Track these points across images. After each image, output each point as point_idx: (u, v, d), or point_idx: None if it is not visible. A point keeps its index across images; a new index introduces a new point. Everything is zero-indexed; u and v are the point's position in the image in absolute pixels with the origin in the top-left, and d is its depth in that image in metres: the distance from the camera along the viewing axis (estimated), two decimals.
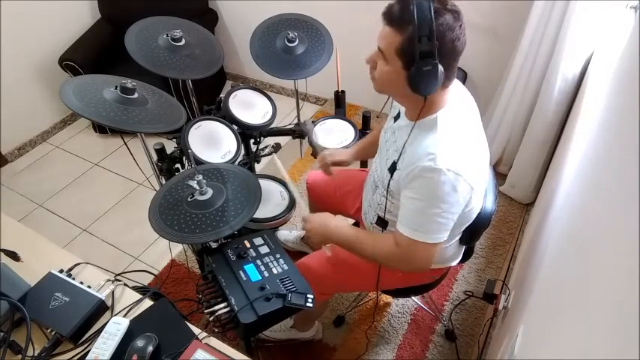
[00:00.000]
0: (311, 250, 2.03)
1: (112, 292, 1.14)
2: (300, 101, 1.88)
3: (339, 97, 1.82)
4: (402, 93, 1.04)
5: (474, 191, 1.05)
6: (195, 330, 1.05)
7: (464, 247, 1.38)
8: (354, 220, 1.66)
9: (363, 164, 1.90)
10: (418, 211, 1.05)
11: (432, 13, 0.90)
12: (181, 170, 1.62)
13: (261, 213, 1.53)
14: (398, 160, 1.11)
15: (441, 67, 0.94)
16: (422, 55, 0.93)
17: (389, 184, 1.14)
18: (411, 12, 0.90)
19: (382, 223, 1.26)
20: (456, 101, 1.08)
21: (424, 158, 1.00)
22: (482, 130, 1.15)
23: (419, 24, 0.90)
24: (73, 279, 1.12)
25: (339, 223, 1.24)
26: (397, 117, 1.21)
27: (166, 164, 1.59)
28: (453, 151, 1.00)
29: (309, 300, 1.11)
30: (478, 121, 1.15)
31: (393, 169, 1.13)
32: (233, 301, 1.10)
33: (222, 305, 1.11)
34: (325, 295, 1.44)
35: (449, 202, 1.01)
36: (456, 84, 1.10)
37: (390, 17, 0.96)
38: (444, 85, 1.02)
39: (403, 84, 0.99)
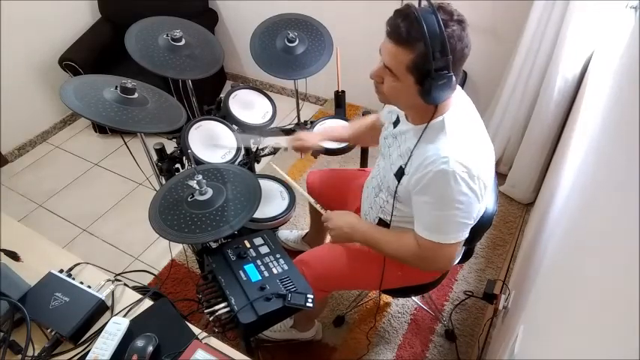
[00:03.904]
0: None
1: (112, 292, 1.14)
2: (300, 101, 1.88)
3: (339, 97, 1.82)
4: (411, 104, 1.04)
5: (486, 188, 1.05)
6: (195, 330, 1.05)
7: (464, 247, 1.38)
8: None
9: (363, 164, 1.90)
10: (437, 215, 1.06)
11: (443, 28, 0.88)
12: (181, 170, 1.62)
13: (261, 213, 1.53)
14: (406, 165, 1.10)
15: (453, 77, 0.94)
16: (437, 70, 0.92)
17: (396, 190, 1.14)
18: (420, 30, 0.88)
19: (384, 225, 1.27)
20: (459, 102, 1.09)
21: (437, 162, 1.00)
22: (485, 128, 1.15)
23: (431, 41, 0.89)
24: (73, 279, 1.12)
25: (363, 224, 1.25)
26: (396, 123, 1.21)
27: (166, 164, 1.59)
28: (464, 152, 1.00)
29: (309, 300, 1.11)
30: (480, 119, 1.15)
31: (400, 174, 1.12)
32: (233, 301, 1.10)
33: (222, 305, 1.11)
34: (324, 291, 1.43)
35: (466, 202, 1.02)
36: None
37: (398, 37, 0.93)
38: (453, 90, 1.02)
39: (414, 96, 0.99)
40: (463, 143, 1.02)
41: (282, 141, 1.52)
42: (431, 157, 1.01)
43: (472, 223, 1.08)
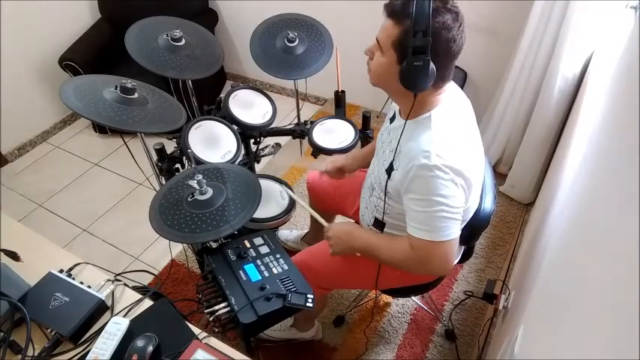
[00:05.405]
0: None
1: (112, 292, 1.14)
2: (300, 101, 1.88)
3: (339, 97, 1.82)
4: (395, 89, 1.03)
5: (471, 186, 1.05)
6: (195, 330, 1.05)
7: (463, 247, 1.38)
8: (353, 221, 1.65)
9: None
10: (423, 211, 1.05)
11: (430, 10, 0.90)
12: (181, 170, 1.62)
13: (261, 213, 1.53)
14: (394, 159, 1.11)
15: (432, 66, 0.94)
16: (415, 51, 0.93)
17: (386, 186, 1.14)
18: (410, 6, 0.91)
19: (379, 225, 1.26)
20: (450, 101, 1.08)
21: (419, 156, 1.00)
22: (477, 130, 1.15)
23: (415, 18, 0.90)
24: (73, 279, 1.12)
25: (361, 231, 1.25)
26: (393, 118, 1.22)
27: (166, 164, 1.59)
28: (447, 147, 1.00)
29: (309, 300, 1.11)
30: (473, 120, 1.15)
31: (390, 169, 1.12)
32: (233, 301, 1.10)
33: (222, 305, 1.11)
34: (323, 290, 1.43)
35: (449, 196, 1.01)
36: (452, 86, 1.11)
37: (392, 9, 0.97)
38: (438, 86, 1.03)
39: (395, 78, 0.99)
40: (446, 139, 1.02)
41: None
42: (415, 153, 1.02)
43: (460, 219, 1.07)
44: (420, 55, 0.93)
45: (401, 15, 0.95)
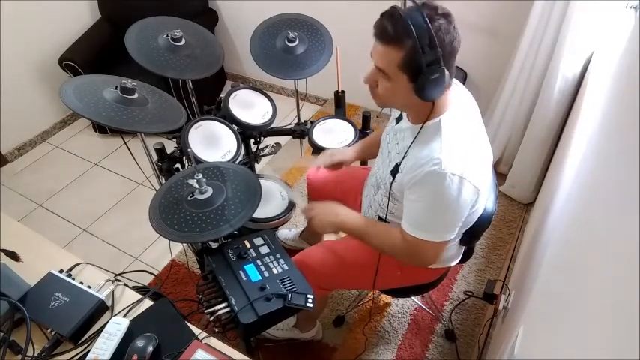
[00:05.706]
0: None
1: (112, 292, 1.14)
2: (300, 101, 1.88)
3: (339, 97, 1.82)
4: (408, 103, 1.04)
5: (479, 193, 1.05)
6: (195, 330, 1.05)
7: (464, 247, 1.38)
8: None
9: (364, 162, 1.89)
10: (424, 214, 1.06)
11: (429, 23, 0.89)
12: (181, 170, 1.62)
13: (261, 213, 1.53)
14: (401, 162, 1.11)
15: (446, 71, 0.94)
16: (428, 65, 0.93)
17: (391, 187, 1.14)
18: (406, 26, 0.90)
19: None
20: (458, 102, 1.09)
21: (429, 163, 1.00)
22: (484, 130, 1.15)
23: (418, 36, 0.90)
24: (73, 279, 1.12)
25: (349, 211, 1.26)
26: (399, 119, 1.22)
27: (166, 164, 1.59)
28: (458, 155, 1.00)
29: (310, 300, 1.11)
30: (480, 120, 1.15)
31: (395, 171, 1.13)
32: (233, 301, 1.10)
33: (222, 305, 1.11)
34: (323, 289, 1.43)
35: (455, 205, 1.02)
36: (454, 82, 1.11)
37: (385, 36, 0.95)
38: (448, 84, 1.03)
39: (410, 95, 0.99)
40: (458, 147, 1.02)
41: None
42: (424, 158, 1.02)
43: (459, 225, 1.08)
44: (434, 66, 0.93)
45: (398, 38, 0.93)
